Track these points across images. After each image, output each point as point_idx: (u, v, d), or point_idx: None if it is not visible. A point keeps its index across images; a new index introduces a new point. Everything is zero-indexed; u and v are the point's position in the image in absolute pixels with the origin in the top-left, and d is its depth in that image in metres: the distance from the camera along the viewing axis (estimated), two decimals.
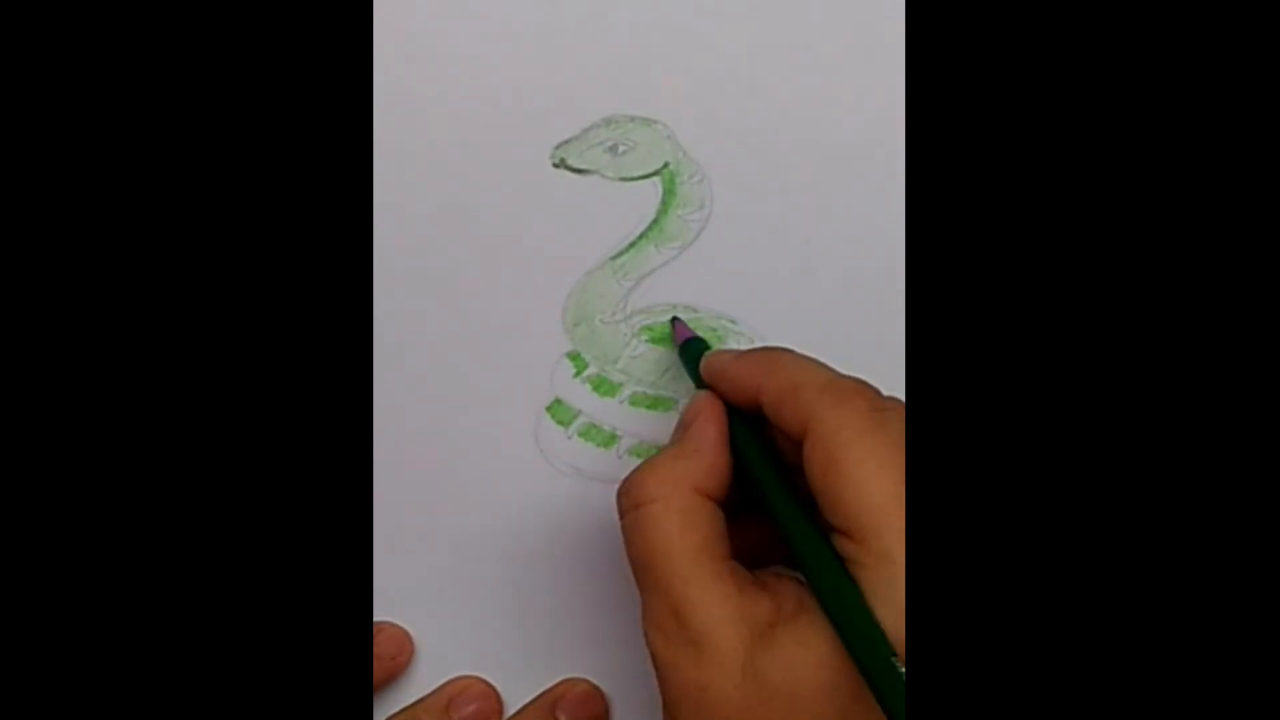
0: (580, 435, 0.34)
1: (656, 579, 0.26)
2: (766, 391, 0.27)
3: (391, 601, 0.34)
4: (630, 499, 0.27)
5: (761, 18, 0.33)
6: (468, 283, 0.34)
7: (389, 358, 0.34)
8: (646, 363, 0.34)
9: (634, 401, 0.34)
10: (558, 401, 0.34)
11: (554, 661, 0.34)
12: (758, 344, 0.34)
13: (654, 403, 0.34)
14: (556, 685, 0.34)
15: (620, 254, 0.34)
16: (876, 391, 0.27)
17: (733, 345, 0.34)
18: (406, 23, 0.33)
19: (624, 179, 0.34)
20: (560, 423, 0.34)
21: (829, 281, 0.34)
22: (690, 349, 0.32)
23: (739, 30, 0.33)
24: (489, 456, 0.34)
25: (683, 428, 0.29)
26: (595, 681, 0.34)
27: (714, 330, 0.34)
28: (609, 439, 0.34)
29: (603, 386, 0.34)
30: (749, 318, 0.34)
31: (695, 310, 0.34)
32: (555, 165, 0.33)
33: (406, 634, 0.34)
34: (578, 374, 0.34)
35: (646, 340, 0.34)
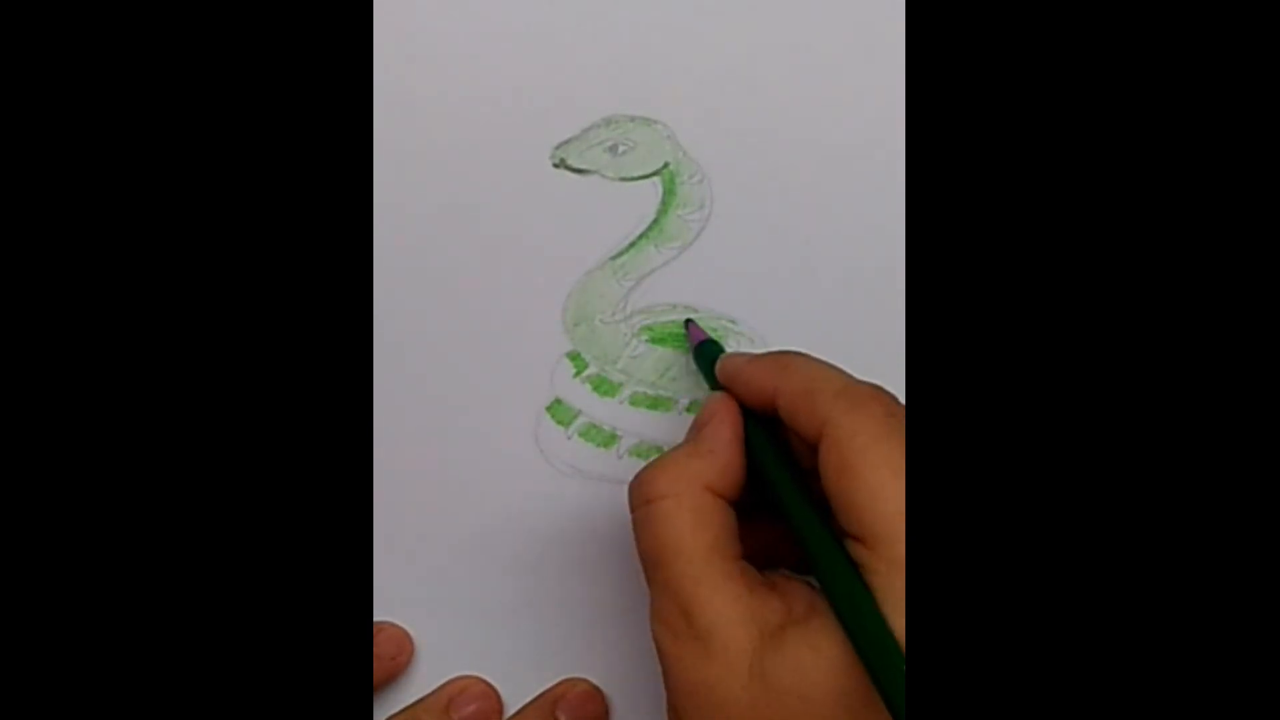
0: (580, 435, 0.34)
1: (666, 576, 0.26)
2: (782, 394, 0.27)
3: (391, 601, 0.34)
4: (642, 494, 0.27)
5: (761, 18, 0.33)
6: (468, 283, 0.34)
7: (389, 358, 0.34)
8: (646, 363, 0.34)
9: (634, 401, 0.34)
10: (558, 401, 0.34)
11: (554, 661, 0.34)
12: (758, 344, 0.34)
13: (654, 403, 0.34)
14: (556, 685, 0.34)
15: (620, 254, 0.34)
16: (893, 397, 0.27)
17: (733, 345, 0.34)
18: (406, 23, 0.33)
19: (624, 179, 0.34)
20: (560, 423, 0.34)
21: (829, 281, 0.34)
22: (705, 351, 0.32)
23: (739, 30, 0.33)
24: (489, 456, 0.34)
25: (697, 428, 0.29)
26: (595, 681, 0.34)
27: (714, 330, 0.34)
28: (609, 439, 0.34)
29: (603, 386, 0.34)
30: (749, 318, 0.34)
31: (695, 310, 0.34)
32: (555, 165, 0.34)
33: (406, 634, 0.34)
34: (578, 374, 0.34)
35: (646, 340, 0.34)
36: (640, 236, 0.34)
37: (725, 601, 0.26)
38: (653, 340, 0.34)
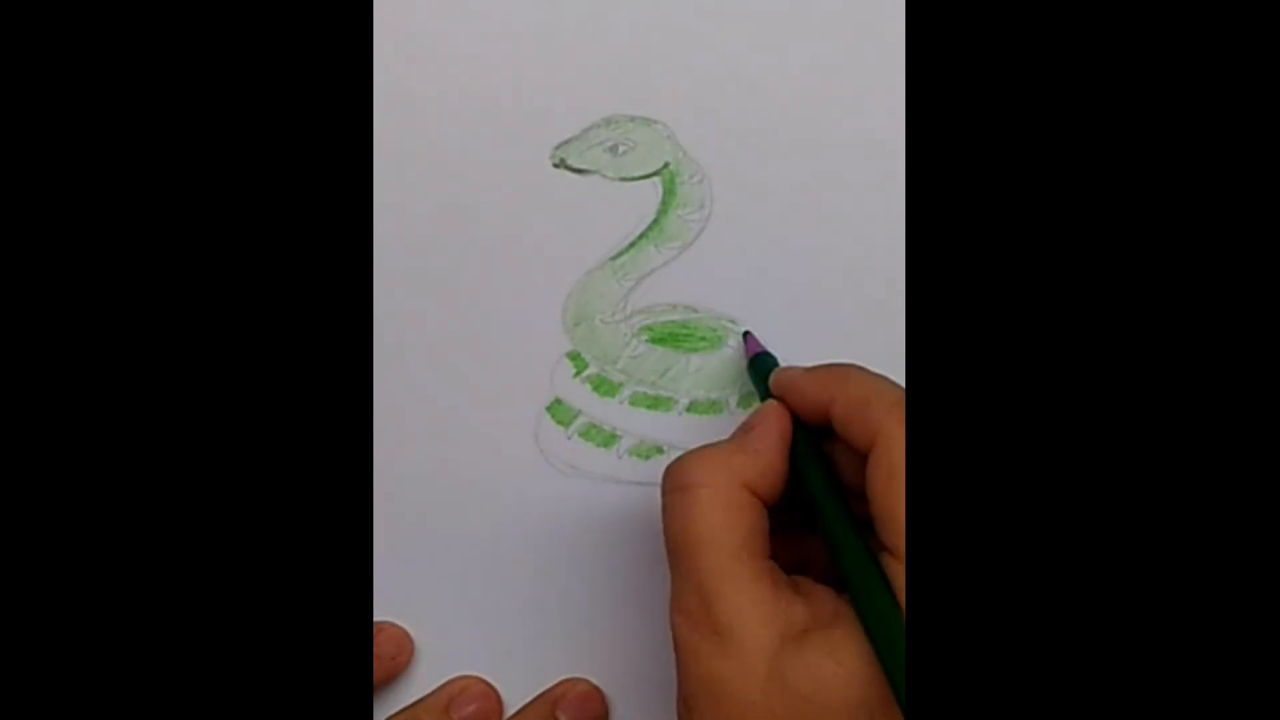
0: (580, 435, 0.34)
1: (692, 566, 0.26)
2: (837, 403, 0.27)
3: (391, 601, 0.34)
4: (677, 480, 0.27)
5: (761, 18, 0.33)
6: (468, 283, 0.34)
7: (389, 358, 0.34)
8: (646, 363, 0.34)
9: (634, 401, 0.34)
10: (558, 401, 0.34)
11: (554, 661, 0.34)
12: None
13: (654, 403, 0.34)
14: (556, 685, 0.34)
15: (620, 254, 0.34)
16: None
17: (732, 345, 0.34)
18: (406, 23, 0.33)
19: (624, 179, 0.34)
20: (560, 423, 0.34)
21: (829, 281, 0.34)
22: (760, 364, 0.32)
23: (739, 30, 0.33)
24: (489, 456, 0.34)
25: (746, 428, 0.29)
26: (595, 681, 0.34)
27: (714, 330, 0.34)
28: (609, 439, 0.34)
29: (603, 386, 0.34)
30: (749, 318, 0.34)
31: (695, 310, 0.34)
32: (555, 165, 0.34)
33: (406, 634, 0.34)
34: (578, 374, 0.34)
35: (646, 340, 0.34)
36: (640, 236, 0.34)
37: (749, 599, 0.25)
38: (653, 340, 0.34)
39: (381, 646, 0.34)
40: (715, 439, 0.29)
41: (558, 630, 0.34)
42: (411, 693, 0.34)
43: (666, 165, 0.34)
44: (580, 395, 0.34)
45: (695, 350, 0.34)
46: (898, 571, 0.25)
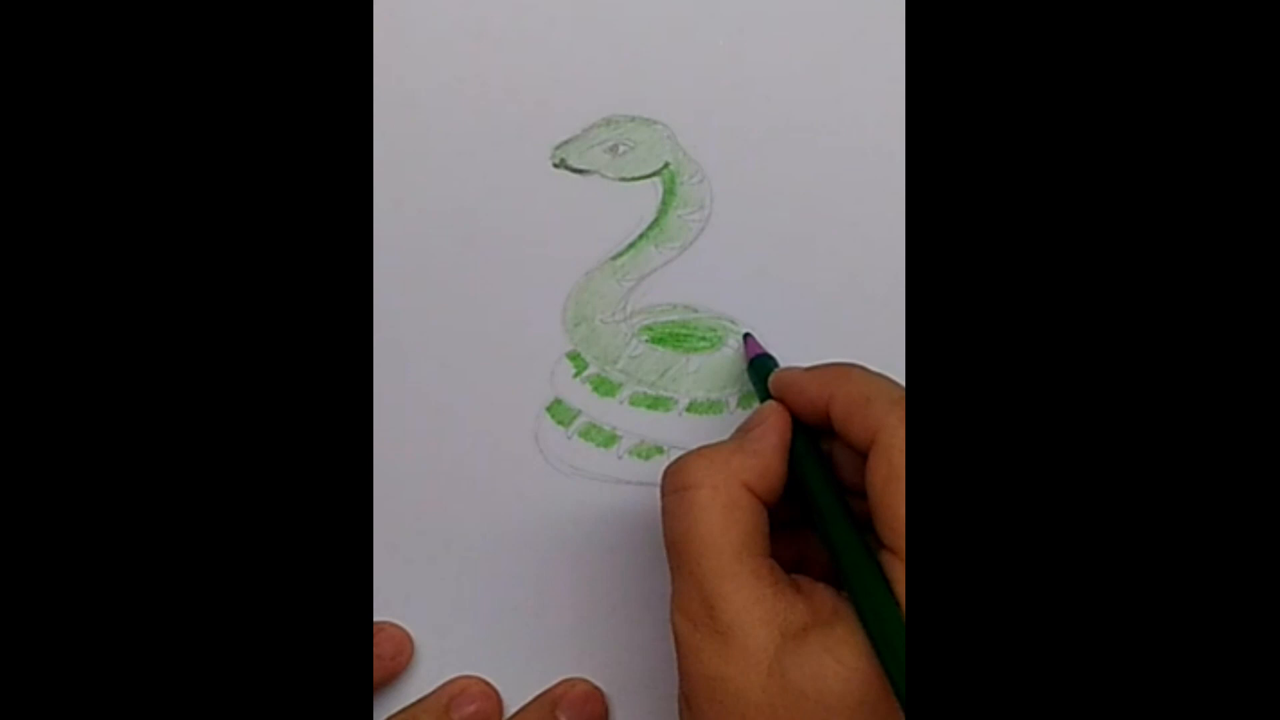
0: (580, 435, 0.34)
1: (692, 566, 0.26)
2: (837, 402, 0.28)
3: (391, 601, 0.34)
4: (677, 481, 0.27)
5: (762, 18, 0.33)
6: (468, 283, 0.34)
7: (389, 358, 0.34)
8: (646, 363, 0.34)
9: (634, 401, 0.34)
10: (558, 401, 0.34)
11: (554, 661, 0.34)
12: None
13: (654, 403, 0.34)
14: (556, 685, 0.34)
15: (620, 254, 0.34)
16: None
17: (732, 345, 0.34)
18: (406, 22, 0.33)
19: (624, 179, 0.34)
20: (560, 423, 0.34)
21: (829, 282, 0.34)
22: (759, 365, 0.32)
23: (739, 30, 0.33)
24: (489, 456, 0.34)
25: (746, 429, 0.29)
26: (595, 681, 0.34)
27: (714, 330, 0.34)
28: (609, 439, 0.34)
29: (603, 386, 0.34)
30: (749, 318, 0.34)
31: (695, 310, 0.34)
32: (555, 165, 0.34)
33: (406, 634, 0.34)
34: (578, 374, 0.34)
35: (646, 340, 0.34)
36: (640, 236, 0.34)
37: (750, 599, 0.26)
38: (653, 340, 0.34)
39: (381, 646, 0.34)
40: (715, 439, 0.29)
41: (558, 630, 0.34)
42: (411, 693, 0.34)
43: (666, 165, 0.34)
44: (580, 395, 0.34)
45: (695, 350, 0.34)
46: (897, 569, 0.25)
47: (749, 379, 0.33)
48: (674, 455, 0.30)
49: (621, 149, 0.33)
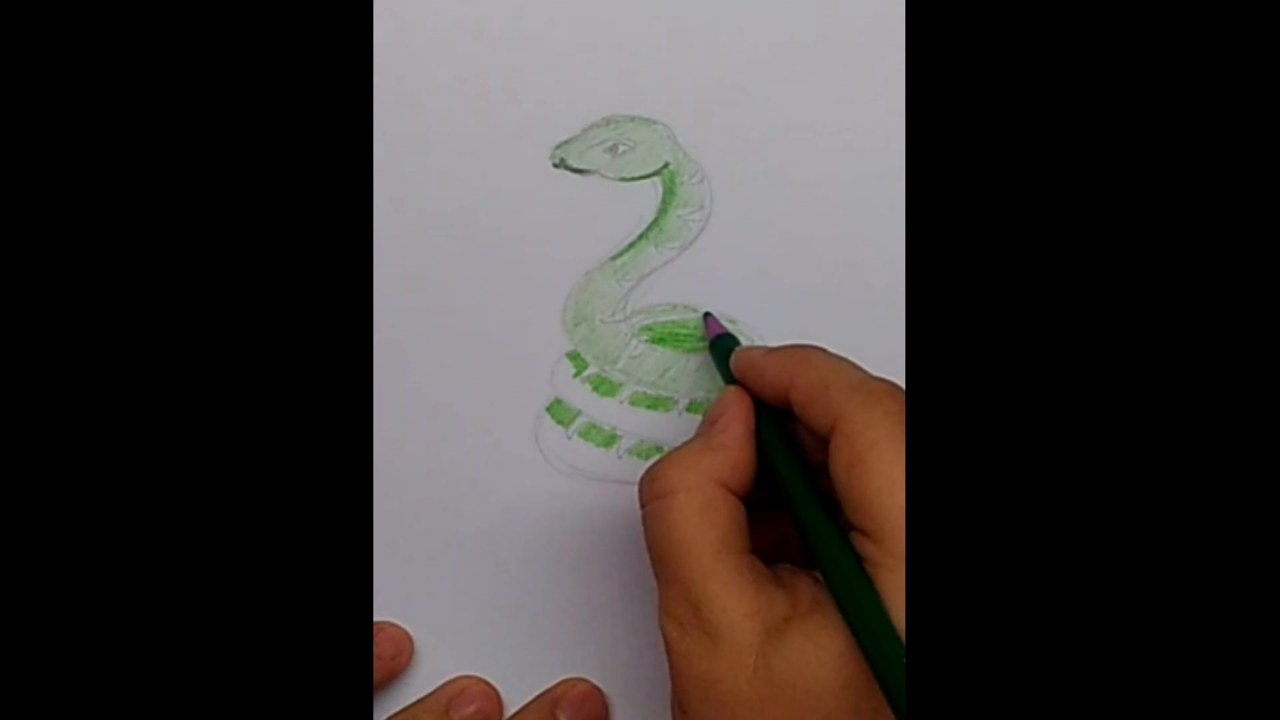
0: (580, 435, 0.34)
1: (675, 571, 0.26)
2: (797, 387, 0.28)
3: (391, 601, 0.34)
4: (653, 489, 0.28)
5: (761, 18, 0.33)
6: (468, 282, 0.34)
7: (389, 358, 0.34)
8: (646, 363, 0.34)
9: (634, 401, 0.34)
10: (558, 401, 0.34)
11: (554, 661, 0.34)
12: (758, 344, 0.34)
13: (654, 403, 0.34)
14: (556, 685, 0.34)
15: (620, 254, 0.34)
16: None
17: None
18: (406, 22, 0.33)
19: (624, 179, 0.34)
20: (560, 423, 0.34)
21: (829, 281, 0.34)
22: (720, 344, 0.32)
23: (739, 30, 0.33)
24: (489, 456, 0.34)
25: (709, 422, 0.29)
26: (595, 681, 0.34)
27: None
28: (609, 439, 0.34)
29: (603, 386, 0.34)
30: (749, 318, 0.34)
31: (695, 310, 0.34)
32: (555, 165, 0.33)
33: (406, 634, 0.34)
34: (578, 374, 0.34)
35: (646, 340, 0.34)
36: (640, 236, 0.34)
37: (733, 597, 0.26)
38: (653, 340, 0.34)
39: (381, 646, 0.34)
40: None
41: (558, 630, 0.34)
42: (411, 693, 0.34)
43: (666, 165, 0.34)
44: (580, 395, 0.34)
45: (695, 350, 0.34)
46: (867, 547, 0.25)
47: (711, 360, 0.33)
48: None
49: (621, 149, 0.33)
